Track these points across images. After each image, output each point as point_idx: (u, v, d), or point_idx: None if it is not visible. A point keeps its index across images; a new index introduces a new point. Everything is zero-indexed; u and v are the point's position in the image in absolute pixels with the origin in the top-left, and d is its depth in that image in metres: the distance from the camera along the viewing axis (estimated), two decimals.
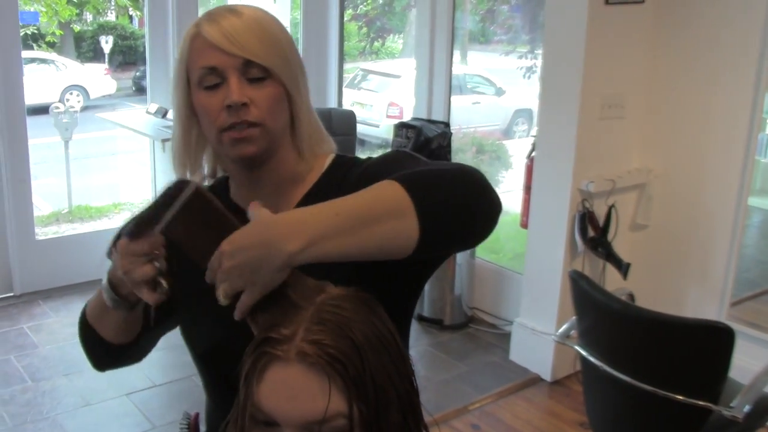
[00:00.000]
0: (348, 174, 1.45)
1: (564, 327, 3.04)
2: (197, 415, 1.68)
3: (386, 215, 1.18)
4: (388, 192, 1.20)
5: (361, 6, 8.15)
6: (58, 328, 4.67)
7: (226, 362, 1.20)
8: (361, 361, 1.09)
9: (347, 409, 1.08)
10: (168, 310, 1.47)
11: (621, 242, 4.07)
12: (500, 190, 5.62)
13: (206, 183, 1.55)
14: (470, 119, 7.03)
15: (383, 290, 1.25)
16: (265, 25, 1.38)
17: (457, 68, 6.42)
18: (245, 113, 1.35)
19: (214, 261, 1.19)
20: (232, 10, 1.39)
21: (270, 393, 1.09)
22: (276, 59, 1.37)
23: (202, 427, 1.68)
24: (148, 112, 5.11)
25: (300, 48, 5.76)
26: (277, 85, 1.38)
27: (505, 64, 6.76)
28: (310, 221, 1.17)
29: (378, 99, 8.74)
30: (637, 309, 2.68)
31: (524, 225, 4.27)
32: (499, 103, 8.06)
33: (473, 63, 6.99)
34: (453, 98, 5.14)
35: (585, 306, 2.82)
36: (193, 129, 1.46)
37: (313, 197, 1.45)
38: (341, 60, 5.96)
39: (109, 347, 1.52)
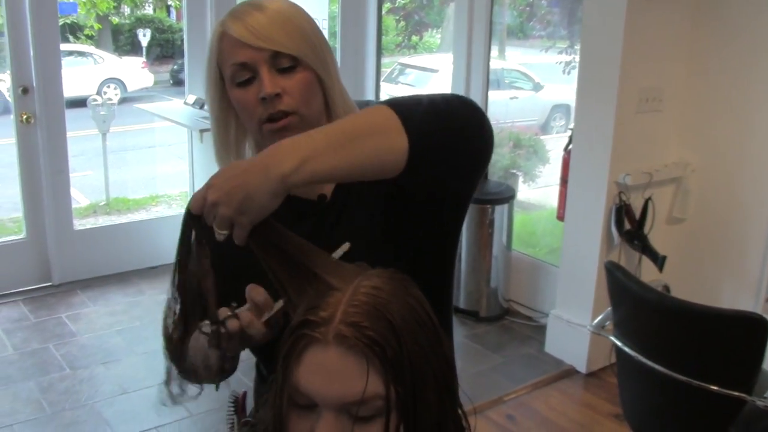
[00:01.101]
0: None
1: (599, 318, 3.04)
2: (245, 394, 1.72)
3: (375, 132, 1.22)
4: (377, 112, 1.24)
5: (403, 1, 8.14)
6: (96, 317, 4.73)
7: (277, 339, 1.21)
8: (398, 343, 1.10)
9: (384, 390, 1.09)
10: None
11: (657, 235, 4.05)
12: (537, 185, 5.54)
13: None
14: (508, 114, 7.01)
15: (417, 269, 1.28)
16: (289, 15, 1.43)
17: (495, 63, 6.40)
18: (279, 103, 1.40)
19: (198, 197, 1.21)
20: (255, 4, 1.43)
21: (308, 375, 1.10)
22: (303, 47, 1.41)
23: (250, 404, 1.71)
24: (186, 103, 5.15)
25: (337, 41, 5.78)
26: (307, 71, 1.42)
27: (543, 60, 6.73)
28: (301, 143, 1.20)
29: (416, 93, 8.73)
30: (672, 300, 2.67)
31: (561, 217, 4.27)
32: (536, 99, 8.03)
33: (511, 58, 6.97)
34: (490, 93, 5.13)
35: (620, 297, 2.81)
36: (231, 123, 1.51)
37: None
38: (379, 53, 5.96)
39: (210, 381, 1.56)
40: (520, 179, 6.38)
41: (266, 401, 1.22)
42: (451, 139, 1.27)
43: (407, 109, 1.24)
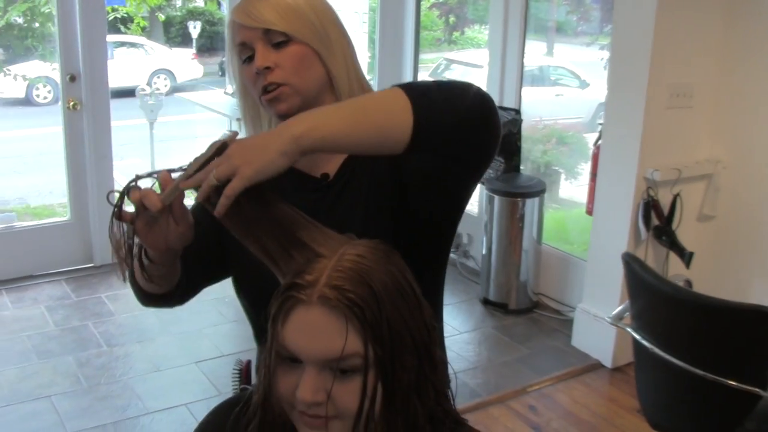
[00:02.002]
0: None
1: (617, 309, 3.07)
2: (249, 363, 1.80)
3: (383, 109, 1.31)
4: (389, 92, 1.33)
5: None
6: (134, 298, 4.81)
7: None
8: (378, 306, 1.18)
9: (363, 349, 1.17)
10: (216, 260, 1.62)
11: (687, 232, 4.07)
12: (579, 183, 5.52)
13: None
14: (553, 111, 7.03)
15: (413, 245, 1.39)
16: None
17: (542, 60, 6.41)
18: (271, 75, 1.51)
19: (222, 165, 1.27)
20: None
21: (294, 333, 1.19)
22: (296, 24, 1.52)
23: (254, 374, 1.79)
24: (226, 93, 5.26)
25: (376, 35, 5.85)
26: (300, 46, 1.52)
27: (590, 57, 6.74)
28: (314, 113, 1.32)
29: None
30: (686, 292, 2.69)
31: (589, 212, 4.30)
32: (582, 96, 8.03)
33: (559, 55, 7.00)
34: (535, 89, 5.16)
35: (637, 289, 2.84)
36: (256, 102, 1.62)
37: (354, 161, 1.58)
38: (417, 47, 6.01)
39: (149, 296, 1.63)
40: (563, 176, 6.40)
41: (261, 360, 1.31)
42: (455, 127, 1.34)
43: (418, 92, 1.32)
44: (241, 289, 1.68)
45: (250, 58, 1.53)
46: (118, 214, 1.34)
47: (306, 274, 1.21)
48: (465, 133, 1.36)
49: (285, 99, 1.52)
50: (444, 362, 1.34)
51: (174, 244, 1.39)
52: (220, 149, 1.30)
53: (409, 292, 1.25)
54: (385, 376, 1.19)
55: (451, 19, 8.29)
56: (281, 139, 1.26)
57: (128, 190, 1.33)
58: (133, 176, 1.37)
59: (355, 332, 1.17)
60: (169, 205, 1.34)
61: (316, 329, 1.18)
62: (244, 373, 1.82)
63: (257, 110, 1.66)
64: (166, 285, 1.57)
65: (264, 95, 1.53)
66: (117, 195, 1.34)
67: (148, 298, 1.62)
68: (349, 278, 1.19)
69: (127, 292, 4.79)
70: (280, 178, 1.32)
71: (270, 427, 1.29)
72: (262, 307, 1.59)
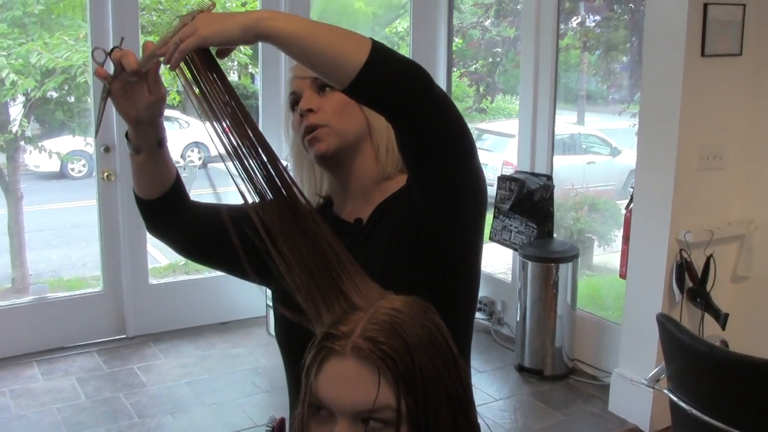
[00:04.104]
0: None
1: (654, 371, 3.04)
2: (282, 420, 1.79)
3: (347, 38, 1.38)
4: (360, 35, 1.39)
5: (473, 65, 8.23)
6: (167, 369, 4.85)
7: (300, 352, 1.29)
8: (411, 359, 1.17)
9: (396, 402, 1.16)
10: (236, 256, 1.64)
11: (722, 293, 4.04)
12: (612, 249, 5.52)
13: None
14: (585, 179, 7.05)
15: (432, 289, 1.47)
16: None
17: (573, 128, 6.43)
18: (312, 117, 1.61)
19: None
20: None
21: (326, 383, 1.18)
22: None
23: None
24: None
25: None
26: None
27: (621, 125, 6.79)
28: (288, 14, 1.46)
29: (493, 158, 8.79)
30: (722, 351, 2.68)
31: (623, 276, 4.28)
32: (614, 163, 8.05)
33: (590, 123, 7.04)
34: (566, 158, 5.18)
35: (672, 349, 2.82)
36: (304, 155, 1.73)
37: (384, 207, 1.67)
38: None
39: (145, 204, 1.79)
40: (596, 243, 6.39)
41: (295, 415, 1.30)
42: (402, 83, 1.39)
43: (383, 47, 1.39)
44: (279, 337, 1.80)
45: (296, 104, 1.64)
46: (98, 70, 1.50)
47: (341, 325, 1.21)
48: (405, 94, 1.40)
49: (323, 138, 1.62)
50: (479, 426, 1.33)
51: (142, 113, 1.57)
52: (193, 17, 1.40)
53: (444, 347, 1.24)
54: (418, 431, 1.18)
55: (482, 87, 8.34)
56: (246, 16, 1.37)
57: (112, 50, 1.48)
58: (120, 38, 1.57)
59: (387, 384, 1.16)
60: (146, 73, 1.50)
61: (349, 380, 1.17)
62: (276, 430, 1.81)
63: (308, 169, 1.77)
64: (154, 186, 1.75)
65: (306, 136, 1.62)
66: (102, 52, 1.51)
67: (146, 210, 1.81)
68: (383, 330, 1.19)
69: (160, 363, 4.83)
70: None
71: None
72: (296, 357, 1.64)
